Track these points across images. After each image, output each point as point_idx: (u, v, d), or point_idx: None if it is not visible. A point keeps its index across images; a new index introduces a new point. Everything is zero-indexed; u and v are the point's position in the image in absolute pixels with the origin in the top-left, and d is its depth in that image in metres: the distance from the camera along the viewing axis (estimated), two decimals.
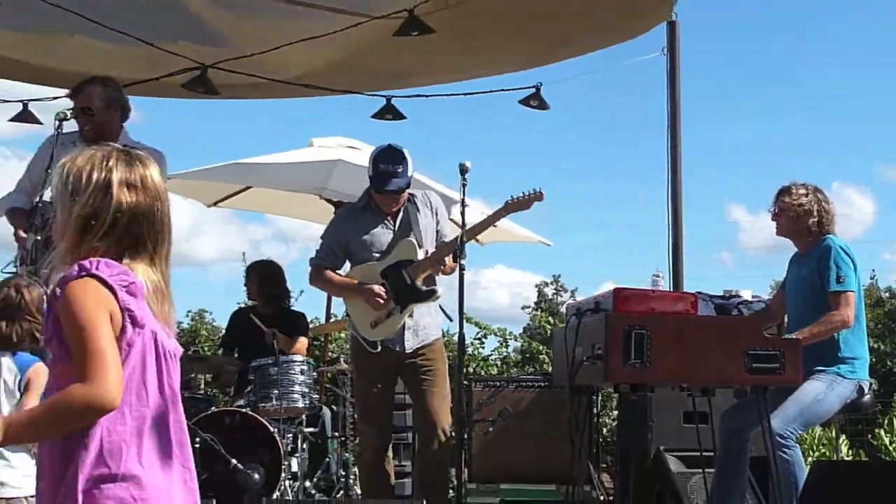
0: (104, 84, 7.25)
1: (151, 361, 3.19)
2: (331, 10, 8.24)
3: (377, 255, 7.78)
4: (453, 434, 7.95)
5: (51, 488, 3.12)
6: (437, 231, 7.87)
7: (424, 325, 7.79)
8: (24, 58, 9.16)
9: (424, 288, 7.72)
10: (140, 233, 3.28)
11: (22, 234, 6.98)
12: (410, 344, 7.69)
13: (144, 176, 3.33)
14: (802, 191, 7.76)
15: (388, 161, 7.69)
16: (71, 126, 7.36)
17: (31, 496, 5.49)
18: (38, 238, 6.70)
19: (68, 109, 7.12)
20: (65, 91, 7.41)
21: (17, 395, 5.69)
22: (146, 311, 3.19)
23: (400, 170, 7.66)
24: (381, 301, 7.59)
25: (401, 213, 7.80)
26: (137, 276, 3.21)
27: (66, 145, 6.99)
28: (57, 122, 6.98)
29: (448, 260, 7.65)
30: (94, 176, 3.21)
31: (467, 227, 7.66)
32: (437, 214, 7.92)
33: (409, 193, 7.84)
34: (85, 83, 7.27)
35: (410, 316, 7.69)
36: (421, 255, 7.67)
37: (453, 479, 8.12)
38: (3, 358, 5.76)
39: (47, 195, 6.84)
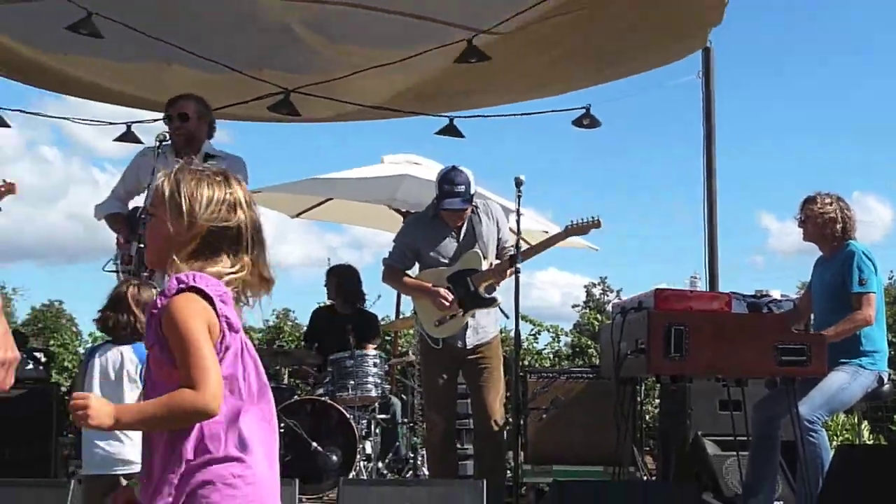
0: (197, 100, 7.40)
1: (243, 359, 3.26)
2: (409, 16, 8.28)
3: (444, 261, 7.83)
4: (510, 421, 8.00)
5: (157, 468, 3.17)
6: (499, 239, 7.91)
7: (484, 324, 7.85)
8: (125, 87, 9.28)
9: (486, 295, 7.78)
10: (260, 243, 3.34)
11: (121, 238, 7.09)
12: (471, 341, 7.75)
13: (250, 194, 3.36)
14: (827, 200, 7.74)
15: (451, 182, 7.73)
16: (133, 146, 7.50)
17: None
18: (142, 245, 6.79)
19: (166, 131, 7.22)
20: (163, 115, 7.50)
21: (140, 383, 5.59)
22: (236, 316, 3.25)
23: (461, 189, 7.69)
24: (447, 304, 7.65)
25: (465, 224, 7.85)
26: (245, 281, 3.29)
27: (159, 157, 7.13)
28: (157, 143, 7.09)
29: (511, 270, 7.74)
30: (217, 194, 3.24)
31: (533, 245, 7.73)
32: (497, 224, 7.94)
33: (472, 204, 7.89)
34: (181, 96, 7.41)
35: (472, 316, 7.76)
36: (485, 265, 7.72)
37: (510, 461, 8.16)
38: (123, 349, 5.71)
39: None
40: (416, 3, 8.16)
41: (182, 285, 3.15)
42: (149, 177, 6.97)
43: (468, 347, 7.75)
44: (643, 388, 10.04)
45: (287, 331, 18.04)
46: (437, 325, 7.79)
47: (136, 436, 5.49)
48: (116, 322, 5.66)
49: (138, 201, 7.39)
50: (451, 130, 9.98)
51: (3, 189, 7.35)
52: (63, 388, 10.49)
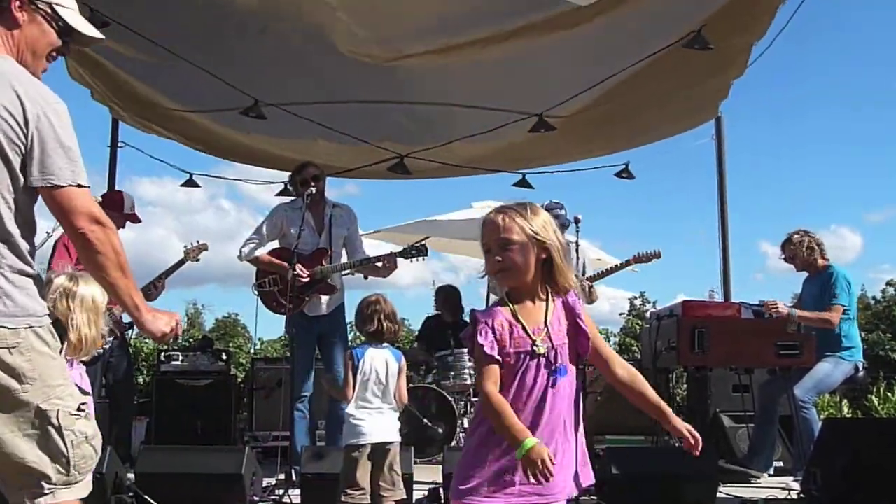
0: (316, 165, 7.38)
1: None
2: (489, 109, 8.32)
3: None
4: None
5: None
6: (583, 270, 7.87)
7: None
8: (280, 154, 9.41)
9: None
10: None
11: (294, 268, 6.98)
12: None
13: None
14: (797, 236, 7.72)
15: (552, 209, 7.66)
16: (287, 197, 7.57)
17: (396, 442, 5.32)
18: (295, 273, 6.83)
19: (303, 184, 7.23)
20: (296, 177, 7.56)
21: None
22: None
23: (562, 213, 7.72)
24: None
25: None
26: None
27: (295, 210, 7.16)
28: (307, 197, 7.06)
29: (595, 293, 7.73)
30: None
31: (601, 271, 7.65)
32: (583, 263, 7.92)
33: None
34: (308, 163, 7.37)
35: None
36: None
37: None
38: (386, 352, 5.36)
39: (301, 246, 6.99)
40: (499, 98, 8.21)
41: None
42: (296, 226, 6.97)
43: None
44: (674, 376, 9.94)
45: (403, 334, 18.11)
46: None
47: (388, 409, 5.31)
48: (389, 330, 5.38)
49: (274, 243, 7.40)
50: (523, 183, 9.99)
51: (199, 248, 7.46)
52: (239, 379, 10.59)
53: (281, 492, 6.33)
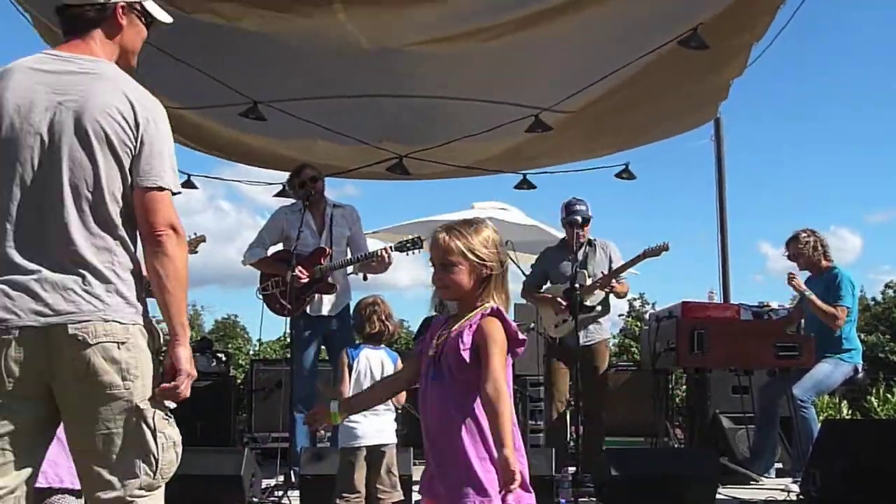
0: (313, 167, 7.40)
1: None
2: (487, 102, 8.25)
3: (562, 280, 7.59)
4: (572, 403, 7.82)
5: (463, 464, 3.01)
6: (610, 266, 7.60)
7: (591, 329, 7.54)
8: (280, 154, 9.40)
9: (589, 306, 7.49)
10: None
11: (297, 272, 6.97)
12: (581, 342, 7.23)
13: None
14: (805, 235, 7.72)
15: (573, 205, 7.55)
16: (287, 200, 7.72)
17: (391, 444, 5.33)
18: (294, 273, 6.83)
19: (301, 186, 7.24)
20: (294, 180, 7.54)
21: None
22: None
23: (582, 209, 7.53)
24: (562, 307, 7.44)
25: (582, 252, 7.55)
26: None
27: (295, 213, 7.17)
28: (306, 199, 7.08)
29: (621, 286, 7.49)
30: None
31: (618, 267, 7.49)
32: (610, 257, 7.69)
33: (590, 238, 7.72)
34: (305, 165, 7.44)
35: (583, 323, 7.38)
36: (589, 281, 7.45)
37: (573, 433, 8.03)
38: (381, 353, 5.40)
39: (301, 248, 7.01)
40: (497, 93, 8.17)
41: (494, 313, 3.11)
42: (296, 229, 7.00)
43: (580, 345, 7.21)
44: (674, 377, 9.94)
45: (402, 336, 18.13)
46: (555, 326, 7.61)
47: (386, 412, 5.31)
48: (386, 330, 5.42)
49: (278, 246, 7.44)
50: (525, 184, 9.96)
51: (196, 240, 7.46)
52: (238, 380, 10.58)
53: (280, 493, 6.33)
